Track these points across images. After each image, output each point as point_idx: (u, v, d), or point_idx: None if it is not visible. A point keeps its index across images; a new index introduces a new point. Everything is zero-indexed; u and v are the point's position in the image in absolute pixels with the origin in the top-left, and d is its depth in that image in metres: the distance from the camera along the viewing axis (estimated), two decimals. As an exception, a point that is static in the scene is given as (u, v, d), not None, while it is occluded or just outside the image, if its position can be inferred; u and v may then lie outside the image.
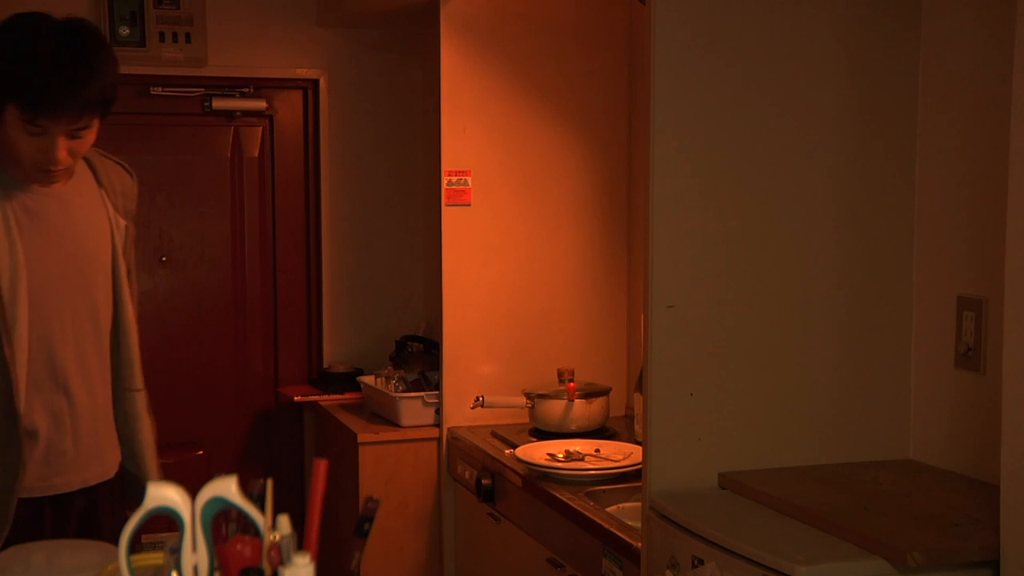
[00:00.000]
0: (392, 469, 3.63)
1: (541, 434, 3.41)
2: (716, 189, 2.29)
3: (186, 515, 1.22)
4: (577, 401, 3.40)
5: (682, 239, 2.27)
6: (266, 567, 1.23)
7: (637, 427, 3.17)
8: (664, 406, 2.28)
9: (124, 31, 3.91)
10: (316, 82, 4.25)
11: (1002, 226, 1.85)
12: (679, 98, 2.25)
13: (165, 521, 1.26)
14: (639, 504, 2.41)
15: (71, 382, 2.36)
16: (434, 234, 3.78)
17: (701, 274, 2.29)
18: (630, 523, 2.56)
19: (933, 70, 2.35)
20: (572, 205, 3.71)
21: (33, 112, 2.19)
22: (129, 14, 3.92)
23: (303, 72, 4.23)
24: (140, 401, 2.52)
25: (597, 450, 3.16)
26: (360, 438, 3.62)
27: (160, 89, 4.10)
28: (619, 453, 3.11)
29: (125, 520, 2.14)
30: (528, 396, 3.48)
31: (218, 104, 4.16)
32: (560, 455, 3.11)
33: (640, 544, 2.34)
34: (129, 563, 1.25)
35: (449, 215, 3.59)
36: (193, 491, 1.23)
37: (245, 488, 1.25)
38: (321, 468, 1.27)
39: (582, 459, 3.09)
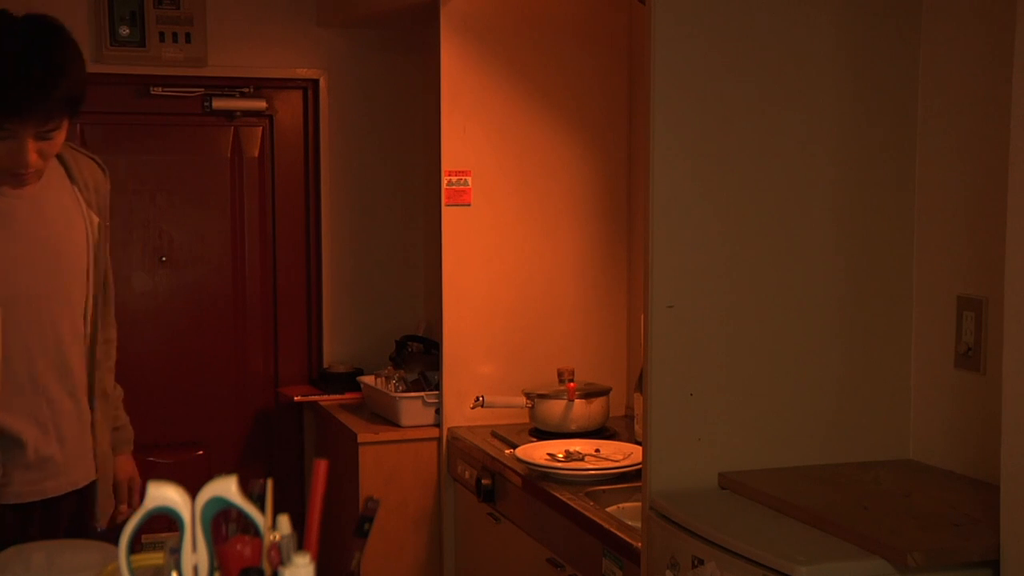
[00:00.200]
0: (392, 469, 3.63)
1: (541, 434, 3.41)
2: (716, 189, 2.29)
3: (186, 515, 1.22)
4: (577, 401, 3.40)
5: (682, 239, 2.27)
6: (266, 567, 1.23)
7: (637, 427, 3.17)
8: (664, 406, 2.28)
9: (124, 31, 3.91)
10: (316, 82, 4.25)
11: (1002, 226, 1.85)
12: (679, 98, 2.25)
13: (165, 521, 1.25)
14: (639, 504, 2.41)
15: (51, 387, 2.33)
16: (434, 234, 3.78)
17: (701, 274, 2.29)
18: (630, 523, 2.56)
19: (933, 70, 2.35)
20: (572, 205, 3.71)
21: (1, 117, 2.14)
22: (129, 14, 3.92)
23: (303, 72, 4.23)
24: (116, 400, 2.53)
25: (597, 450, 3.16)
26: (360, 438, 3.62)
27: (160, 89, 4.10)
28: (619, 453, 3.11)
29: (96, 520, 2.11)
30: (528, 396, 3.48)
31: (218, 104, 4.16)
32: (560, 455, 3.11)
33: (640, 544, 2.34)
34: (129, 563, 1.25)
35: (449, 215, 3.58)
36: (193, 491, 1.23)
37: (245, 488, 1.25)
38: (321, 468, 1.27)
39: (582, 459, 3.09)
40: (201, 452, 4.25)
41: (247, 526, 1.25)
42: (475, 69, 3.57)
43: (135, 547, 1.30)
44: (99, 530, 2.47)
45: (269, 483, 1.29)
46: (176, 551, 1.24)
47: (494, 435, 3.47)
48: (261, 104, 4.22)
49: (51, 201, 2.35)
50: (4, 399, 2.27)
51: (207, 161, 4.23)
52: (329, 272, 4.31)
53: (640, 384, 2.59)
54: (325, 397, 4.10)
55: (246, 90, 4.21)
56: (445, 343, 3.60)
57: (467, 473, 3.44)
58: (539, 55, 3.64)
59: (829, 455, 2.38)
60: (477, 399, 3.50)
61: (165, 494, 1.22)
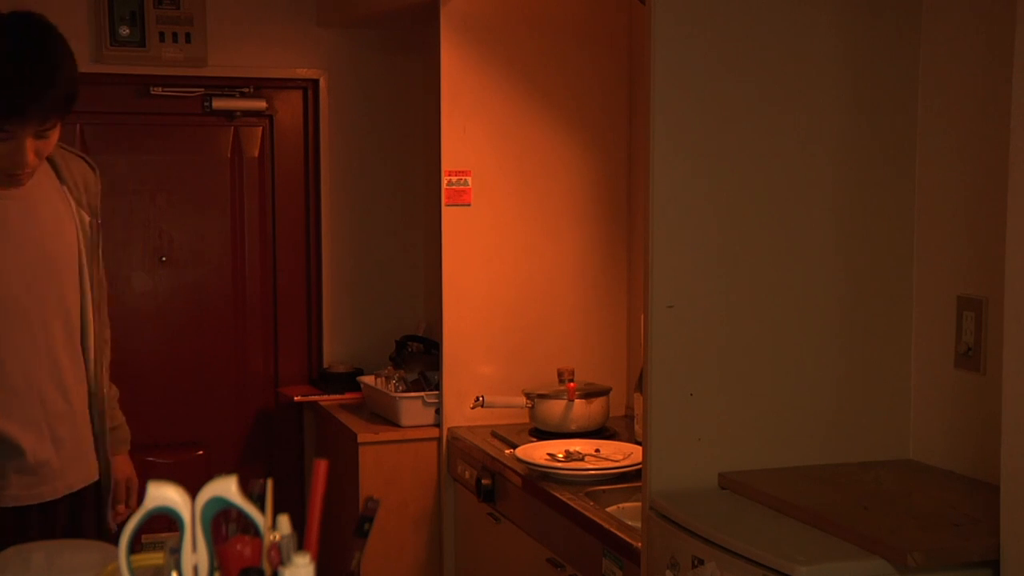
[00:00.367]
0: (392, 469, 3.63)
1: (541, 434, 3.41)
2: (716, 189, 2.29)
3: (186, 515, 1.22)
4: (577, 401, 3.40)
5: (682, 239, 2.27)
6: (266, 567, 1.23)
7: (637, 427, 3.17)
8: (664, 406, 2.28)
9: (124, 31, 3.91)
10: (316, 82, 4.25)
11: (1002, 226, 1.85)
12: (679, 98, 2.25)
13: (165, 521, 1.25)
14: (639, 504, 2.41)
15: (46, 389, 2.33)
16: (434, 234, 3.78)
17: (701, 274, 2.29)
18: (630, 523, 2.56)
19: (933, 70, 2.35)
20: (572, 205, 3.71)
21: (1, 119, 2.14)
22: (129, 14, 3.92)
23: (303, 72, 4.23)
24: (111, 400, 2.52)
25: (597, 450, 3.16)
26: (360, 438, 3.62)
27: (160, 89, 4.10)
28: (619, 453, 3.11)
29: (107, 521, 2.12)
30: (528, 396, 3.48)
31: (218, 104, 4.16)
32: (560, 455, 3.11)
33: (640, 544, 2.34)
34: (129, 563, 1.25)
35: (449, 215, 3.58)
36: (193, 491, 1.23)
37: (245, 488, 1.25)
38: (321, 468, 1.27)
39: (582, 459, 3.09)
40: (201, 452, 4.25)
41: (247, 526, 1.25)
42: (475, 69, 3.57)
43: (135, 547, 1.30)
44: (112, 530, 2.47)
45: (269, 483, 1.29)
46: (176, 551, 1.24)
47: (494, 435, 3.47)
48: (261, 104, 4.22)
49: (42, 201, 2.34)
50: (0, 403, 2.27)
51: (207, 161, 4.23)
52: (329, 272, 4.31)
53: (640, 384, 2.59)
54: (325, 397, 4.10)
55: (246, 90, 4.21)
56: (445, 343, 3.60)
57: (467, 473, 3.44)
58: (539, 55, 3.64)
59: (829, 455, 2.38)
60: (477, 399, 3.50)
61: (165, 494, 1.22)
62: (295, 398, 4.13)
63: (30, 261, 2.30)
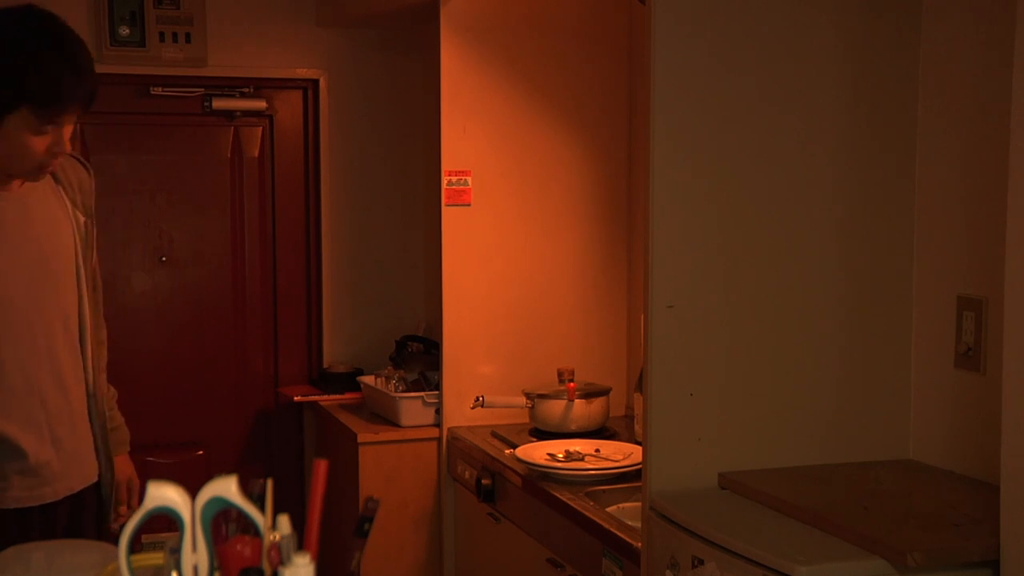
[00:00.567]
0: (392, 469, 3.63)
1: (541, 434, 3.41)
2: (716, 189, 2.29)
3: (186, 515, 1.22)
4: (577, 401, 3.40)
5: (682, 239, 2.27)
6: (266, 567, 1.23)
7: (637, 427, 3.17)
8: (664, 406, 2.28)
9: (124, 31, 3.91)
10: (316, 82, 4.25)
11: (1002, 226, 1.85)
12: (679, 98, 2.25)
13: (165, 521, 1.25)
14: (639, 504, 2.41)
15: (46, 390, 2.32)
16: (434, 234, 3.78)
17: (701, 274, 2.29)
18: (630, 523, 2.56)
19: (933, 70, 2.35)
20: (572, 205, 3.71)
21: (53, 111, 2.16)
22: (129, 14, 3.92)
23: (303, 72, 4.23)
24: (110, 400, 2.52)
25: (597, 450, 3.16)
26: (360, 438, 3.62)
27: (160, 89, 4.10)
28: (619, 453, 3.11)
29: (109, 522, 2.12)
30: (528, 396, 3.48)
31: (218, 104, 4.16)
32: (560, 455, 3.11)
33: (640, 544, 2.34)
34: (129, 563, 1.25)
35: (449, 215, 3.59)
36: (193, 491, 1.23)
37: (245, 488, 1.25)
38: (321, 468, 1.27)
39: (582, 459, 3.09)
40: (201, 452, 4.25)
41: (247, 526, 1.25)
42: (475, 69, 3.57)
43: (135, 547, 1.30)
44: (114, 530, 2.47)
45: (269, 483, 1.29)
46: (176, 551, 1.24)
47: (494, 435, 3.47)
48: (261, 104, 4.22)
49: (38, 202, 2.34)
50: (1, 404, 2.27)
51: (207, 161, 4.23)
52: (329, 272, 4.31)
53: (640, 384, 2.59)
54: (325, 397, 4.10)
55: (246, 90, 4.21)
56: (445, 343, 3.60)
57: (467, 473, 3.44)
58: (539, 55, 3.64)
59: (829, 455, 2.38)
60: (477, 399, 3.50)
61: (165, 494, 1.22)
62: (295, 398, 4.13)
63: (28, 262, 2.30)
